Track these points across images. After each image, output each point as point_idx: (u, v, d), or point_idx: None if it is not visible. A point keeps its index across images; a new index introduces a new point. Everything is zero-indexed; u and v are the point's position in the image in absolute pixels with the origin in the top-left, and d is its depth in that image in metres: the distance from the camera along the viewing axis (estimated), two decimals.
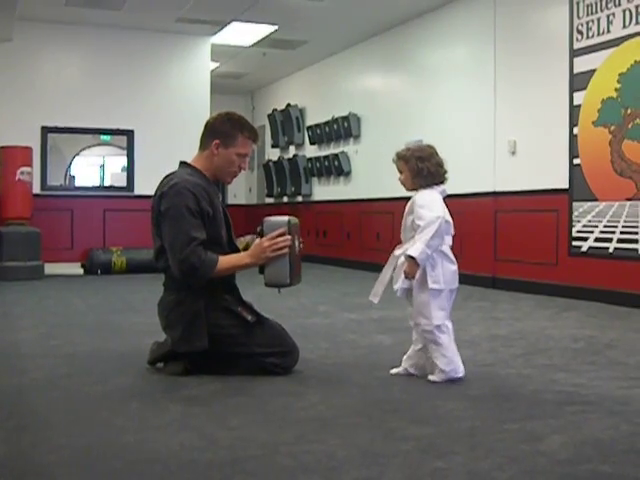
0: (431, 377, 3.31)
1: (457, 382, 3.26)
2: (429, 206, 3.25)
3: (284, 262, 3.35)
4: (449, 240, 3.36)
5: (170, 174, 3.56)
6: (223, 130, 3.53)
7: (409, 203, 3.37)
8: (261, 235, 3.40)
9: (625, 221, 6.14)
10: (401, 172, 3.43)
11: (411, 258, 3.19)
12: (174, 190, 3.38)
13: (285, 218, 3.42)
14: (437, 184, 3.37)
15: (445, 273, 3.30)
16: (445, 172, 3.41)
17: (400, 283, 3.34)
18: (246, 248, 3.56)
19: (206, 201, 3.42)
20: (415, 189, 3.38)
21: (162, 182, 3.53)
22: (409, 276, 3.25)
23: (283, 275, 3.36)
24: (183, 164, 3.61)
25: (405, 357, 3.47)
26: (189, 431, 2.53)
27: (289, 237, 3.33)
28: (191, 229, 3.33)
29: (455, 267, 3.36)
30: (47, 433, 2.54)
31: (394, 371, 3.47)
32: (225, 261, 3.40)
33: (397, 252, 3.39)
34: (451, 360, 3.29)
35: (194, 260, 3.29)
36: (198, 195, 3.39)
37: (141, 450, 2.34)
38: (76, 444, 2.40)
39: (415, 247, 3.18)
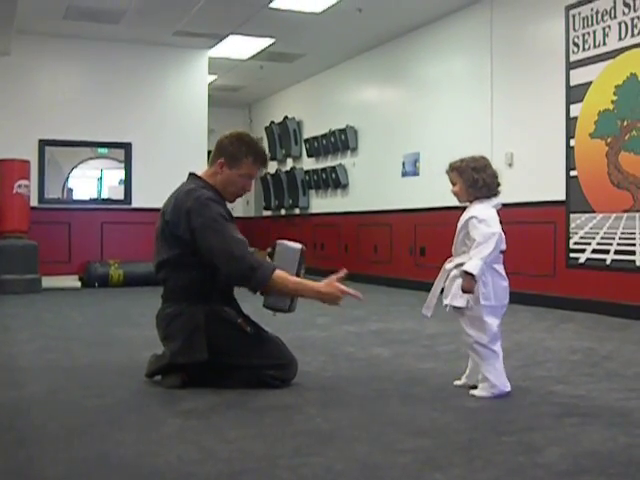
0: (477, 392, 3.24)
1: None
2: (487, 221, 3.20)
3: None
4: (500, 257, 3.31)
5: (185, 186, 3.49)
6: (229, 151, 3.50)
7: (462, 217, 3.30)
8: (271, 256, 3.41)
9: (622, 233, 6.16)
10: (454, 184, 3.37)
11: (468, 274, 3.10)
12: (201, 202, 3.34)
13: (299, 245, 3.45)
14: (491, 196, 3.32)
15: (496, 289, 3.26)
16: (499, 184, 3.37)
17: (450, 299, 3.26)
18: None
19: (226, 211, 3.46)
20: (470, 200, 3.33)
21: (178, 196, 3.44)
22: (467, 291, 3.15)
23: (284, 301, 3.40)
24: (193, 176, 3.59)
25: (468, 373, 3.42)
26: (187, 444, 2.53)
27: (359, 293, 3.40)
28: (235, 232, 3.34)
29: (506, 283, 3.32)
30: (45, 447, 2.53)
31: (458, 383, 3.44)
32: (292, 280, 3.34)
33: (448, 266, 3.31)
34: (501, 374, 3.26)
35: (252, 261, 3.27)
36: (221, 204, 3.43)
37: (139, 463, 2.33)
38: (74, 457, 2.40)
39: (473, 263, 3.10)
